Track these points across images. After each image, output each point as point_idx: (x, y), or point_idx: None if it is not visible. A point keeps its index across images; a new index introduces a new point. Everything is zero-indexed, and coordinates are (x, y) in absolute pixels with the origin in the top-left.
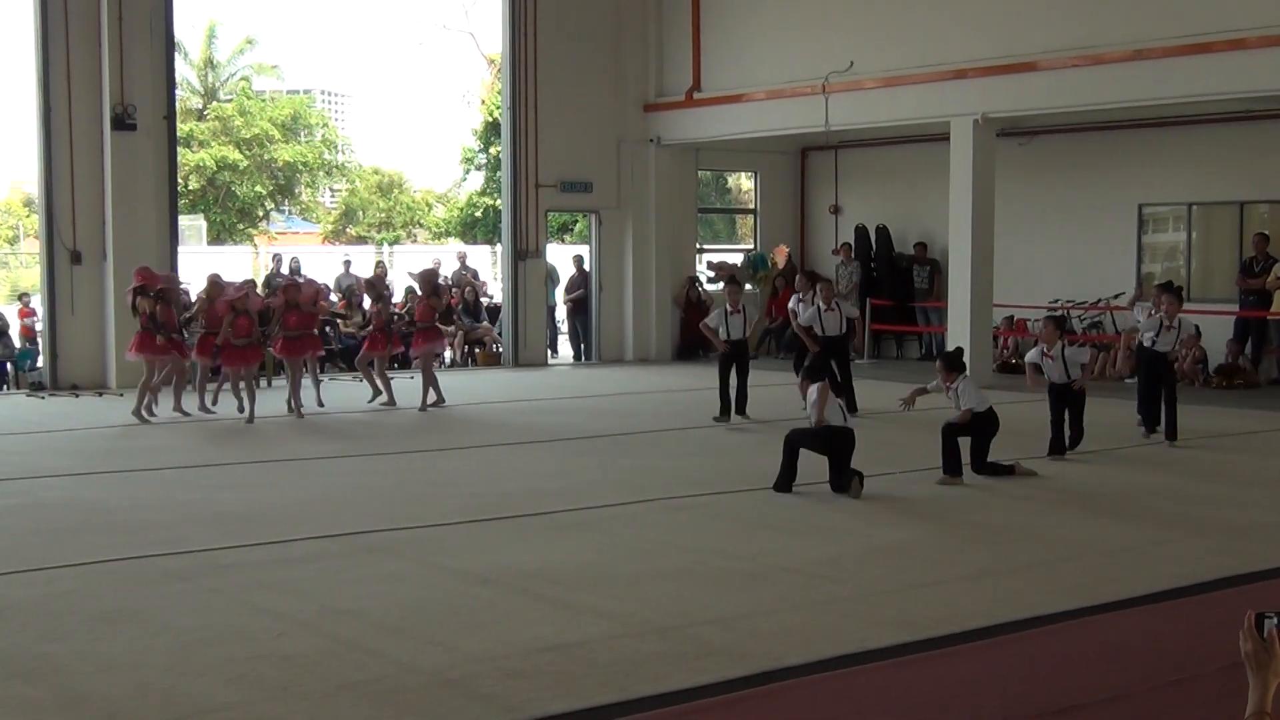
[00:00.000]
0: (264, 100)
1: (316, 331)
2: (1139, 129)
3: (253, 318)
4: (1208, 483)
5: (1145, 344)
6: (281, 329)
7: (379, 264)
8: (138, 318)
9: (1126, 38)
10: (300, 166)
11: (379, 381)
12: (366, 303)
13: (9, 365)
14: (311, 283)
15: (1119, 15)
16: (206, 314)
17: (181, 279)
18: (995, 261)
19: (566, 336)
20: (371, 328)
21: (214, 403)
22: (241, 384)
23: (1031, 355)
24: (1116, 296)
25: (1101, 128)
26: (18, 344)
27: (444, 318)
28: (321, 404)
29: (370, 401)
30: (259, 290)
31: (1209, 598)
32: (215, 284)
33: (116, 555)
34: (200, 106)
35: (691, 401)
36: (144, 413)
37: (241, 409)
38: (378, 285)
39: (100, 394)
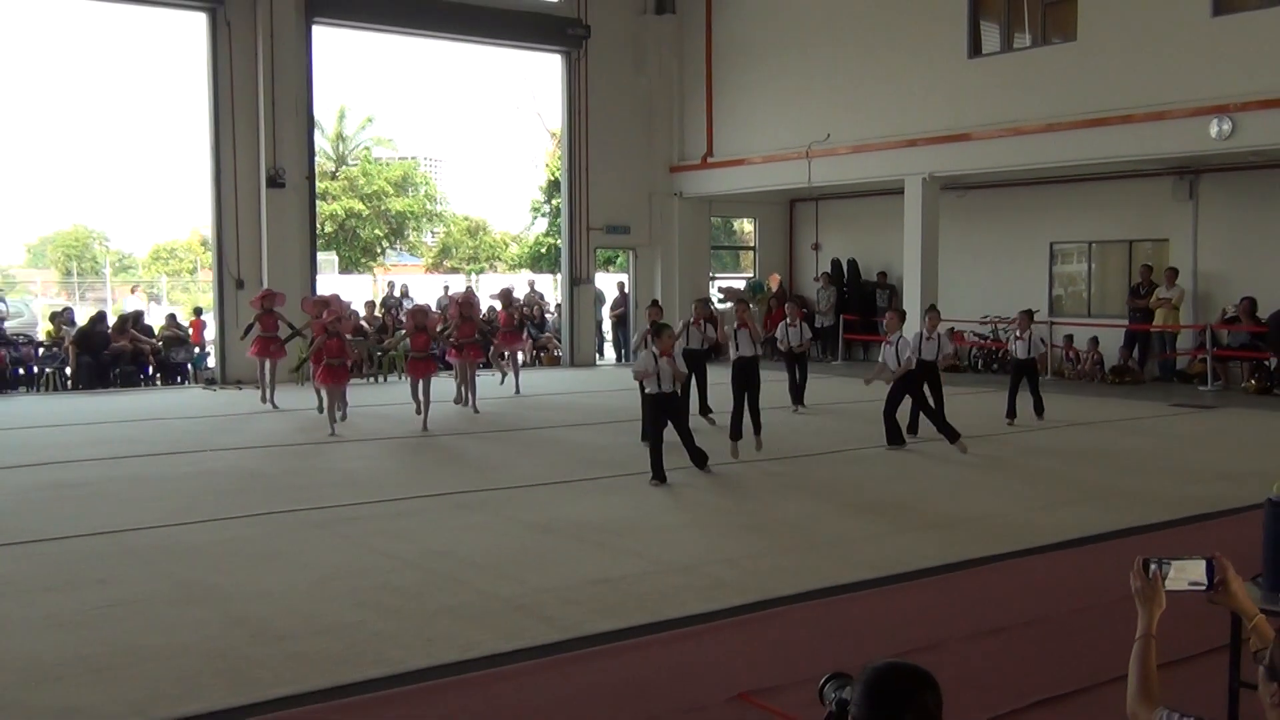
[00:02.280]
0: (381, 164)
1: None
2: (1051, 184)
3: (344, 340)
4: (1097, 457)
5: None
6: (411, 350)
7: (467, 288)
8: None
9: (1041, 115)
10: (408, 215)
11: (464, 387)
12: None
13: (190, 366)
14: (430, 310)
15: (1035, 98)
16: (315, 329)
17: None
18: (939, 285)
19: (611, 343)
20: (458, 338)
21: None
22: (333, 399)
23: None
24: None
25: (1021, 183)
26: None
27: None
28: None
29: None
30: (377, 311)
31: (1105, 545)
32: (320, 302)
33: (268, 509)
34: (333, 169)
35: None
36: (269, 398)
37: (331, 421)
38: (474, 302)
39: (258, 388)
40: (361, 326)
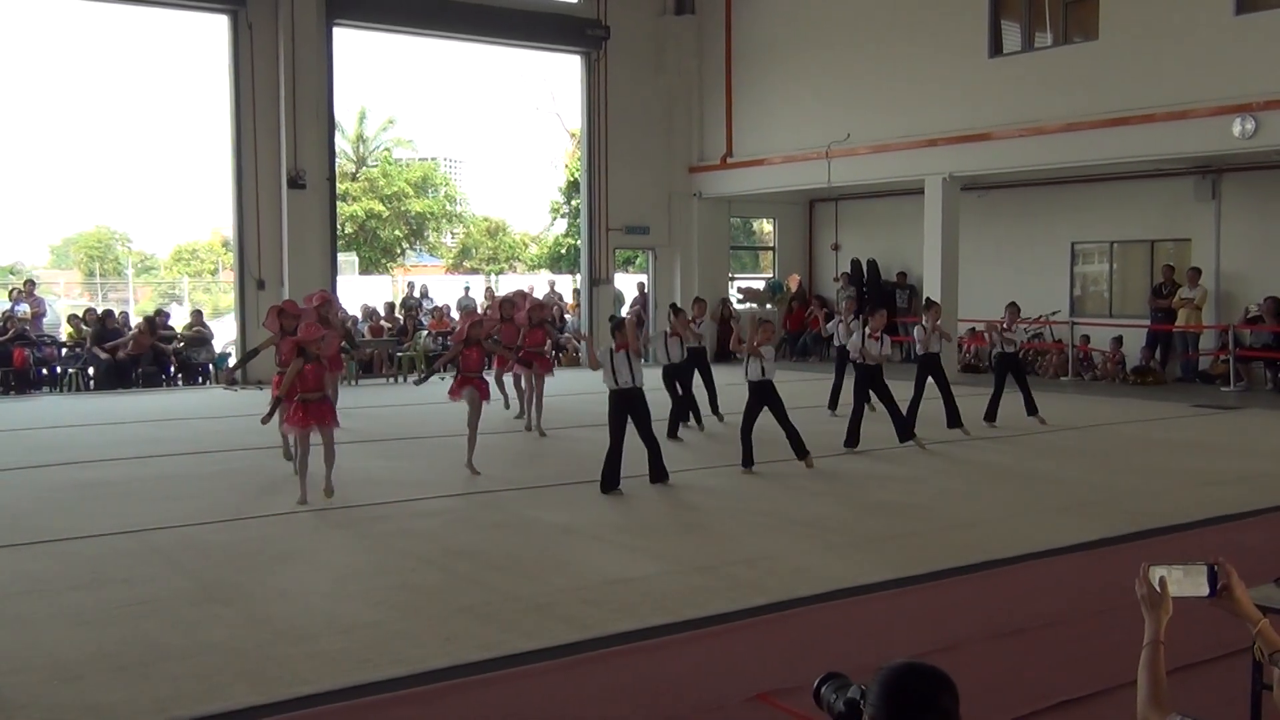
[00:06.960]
0: (401, 165)
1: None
2: (1071, 184)
3: (325, 366)
4: (1117, 459)
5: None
6: (461, 370)
7: (550, 292)
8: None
9: (1062, 114)
10: (428, 215)
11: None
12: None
13: (211, 366)
14: (487, 319)
15: (1056, 97)
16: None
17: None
18: (959, 286)
19: None
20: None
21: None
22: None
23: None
24: (1054, 313)
25: (1042, 183)
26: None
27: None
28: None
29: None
30: (396, 313)
31: (1124, 547)
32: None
33: (290, 510)
34: (353, 170)
35: (725, 393)
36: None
37: (304, 478)
38: (547, 304)
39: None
40: (349, 333)
